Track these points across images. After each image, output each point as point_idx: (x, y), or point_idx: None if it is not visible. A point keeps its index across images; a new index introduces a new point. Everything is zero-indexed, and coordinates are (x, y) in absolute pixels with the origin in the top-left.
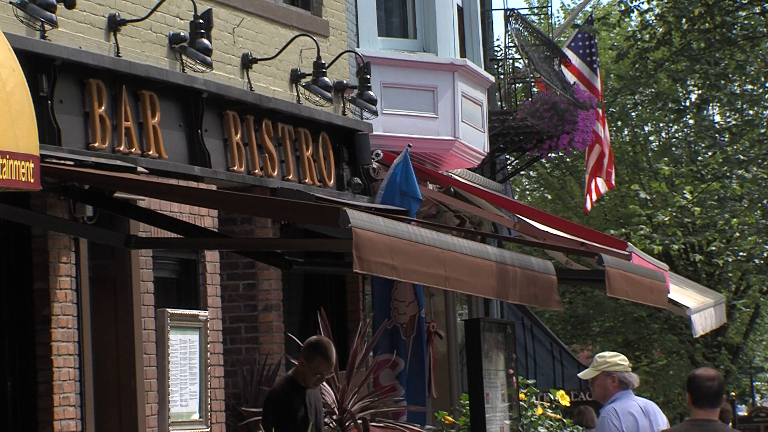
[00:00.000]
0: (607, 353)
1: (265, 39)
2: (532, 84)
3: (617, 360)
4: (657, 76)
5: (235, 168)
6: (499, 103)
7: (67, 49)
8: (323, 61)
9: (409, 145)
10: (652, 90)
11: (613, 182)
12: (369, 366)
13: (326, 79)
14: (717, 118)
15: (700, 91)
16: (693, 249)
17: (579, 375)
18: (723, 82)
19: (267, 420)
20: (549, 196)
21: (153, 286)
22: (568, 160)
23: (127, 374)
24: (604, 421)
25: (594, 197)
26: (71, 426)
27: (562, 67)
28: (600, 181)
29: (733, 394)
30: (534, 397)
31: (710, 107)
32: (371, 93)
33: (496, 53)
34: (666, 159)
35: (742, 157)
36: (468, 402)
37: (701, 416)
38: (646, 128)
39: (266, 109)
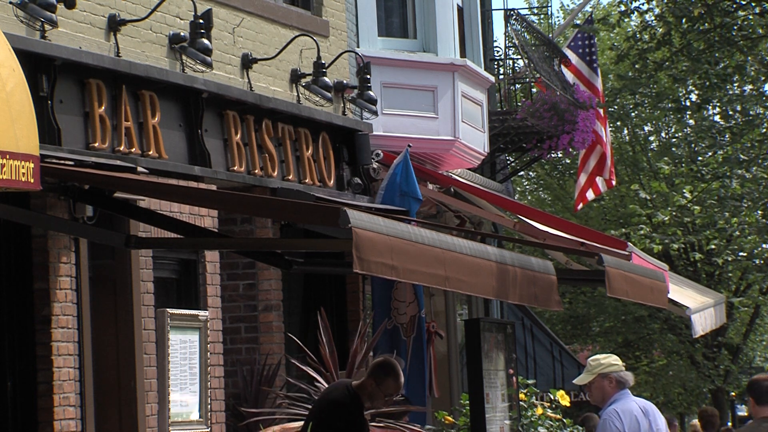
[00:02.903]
0: (599, 356)
1: (265, 39)
2: (532, 84)
3: (611, 361)
4: (657, 77)
5: (235, 168)
6: (499, 104)
7: (67, 49)
8: (323, 61)
9: (409, 145)
10: (653, 90)
11: (614, 182)
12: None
13: (326, 79)
14: (717, 118)
15: (698, 92)
16: (693, 248)
17: (574, 381)
18: (722, 83)
19: (322, 424)
20: (547, 197)
21: (153, 286)
22: (567, 160)
23: (127, 374)
24: (606, 424)
25: (592, 195)
26: (71, 426)
27: (562, 67)
28: (600, 180)
29: (733, 394)
30: (534, 397)
31: (710, 107)
32: (371, 93)
33: (496, 53)
34: (666, 159)
35: (742, 156)
36: (468, 402)
37: (766, 413)
38: (646, 128)
39: (266, 109)
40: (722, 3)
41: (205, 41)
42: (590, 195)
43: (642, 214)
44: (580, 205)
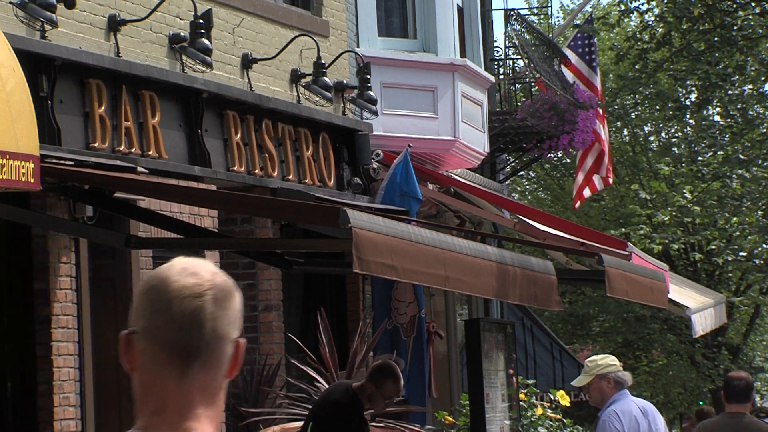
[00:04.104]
0: (596, 357)
1: (265, 39)
2: (532, 84)
3: (608, 361)
4: (657, 77)
5: (235, 168)
6: (499, 104)
7: (67, 49)
8: (323, 61)
9: (409, 145)
10: (652, 89)
11: (611, 180)
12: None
13: (326, 79)
14: (717, 118)
15: (698, 92)
16: (693, 248)
17: (572, 383)
18: (722, 83)
19: (322, 424)
20: (547, 197)
21: None
22: (567, 160)
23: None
24: (605, 425)
25: (588, 193)
26: (71, 426)
27: (562, 67)
28: (597, 178)
29: None
30: (534, 397)
31: (710, 107)
32: (371, 93)
33: (496, 53)
34: (666, 159)
35: (742, 156)
36: (468, 402)
37: (734, 410)
38: (646, 128)
39: (266, 109)
40: (722, 3)
41: (205, 41)
42: (587, 193)
43: (642, 214)
44: (578, 203)
